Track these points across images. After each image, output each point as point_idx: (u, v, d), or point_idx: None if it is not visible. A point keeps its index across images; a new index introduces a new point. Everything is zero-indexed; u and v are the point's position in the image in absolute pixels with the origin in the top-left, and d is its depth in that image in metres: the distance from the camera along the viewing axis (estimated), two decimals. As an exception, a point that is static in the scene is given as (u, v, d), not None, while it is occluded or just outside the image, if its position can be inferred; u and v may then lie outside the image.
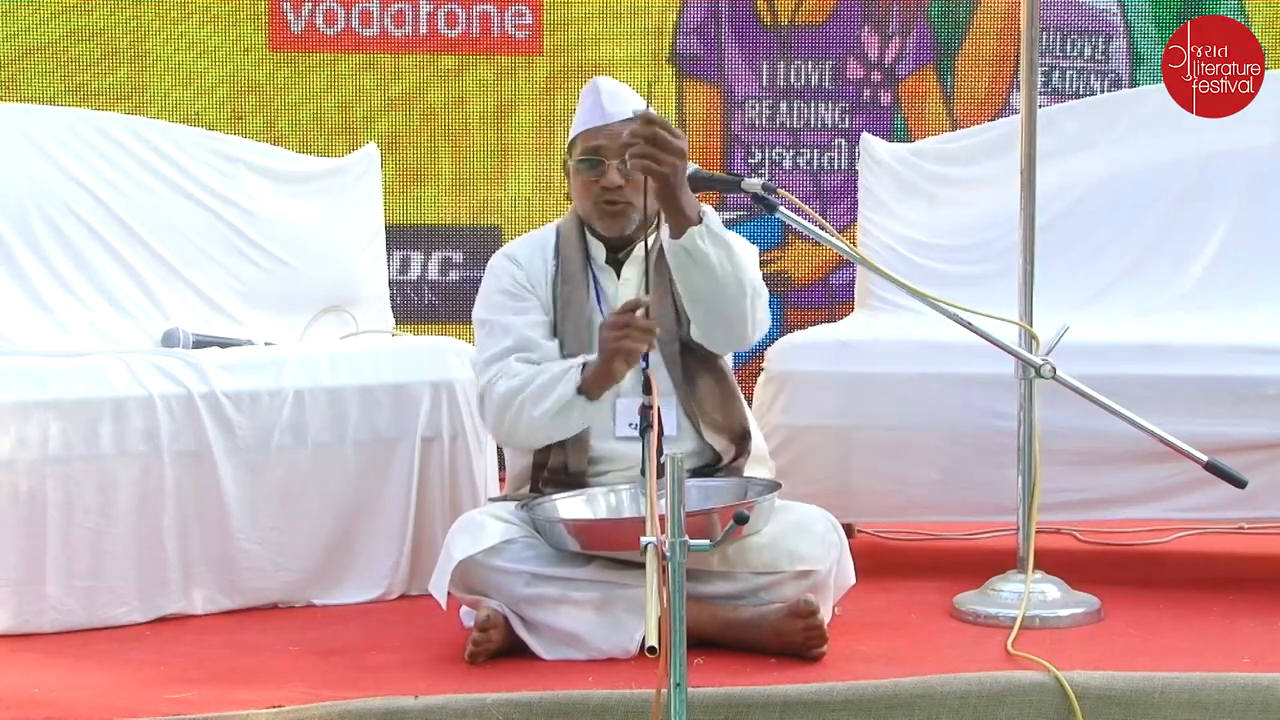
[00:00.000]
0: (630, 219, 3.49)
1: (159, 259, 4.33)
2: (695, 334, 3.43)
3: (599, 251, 3.55)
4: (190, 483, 3.73)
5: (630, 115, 3.40)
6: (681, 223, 3.26)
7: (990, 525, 4.34)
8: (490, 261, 3.63)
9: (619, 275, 3.53)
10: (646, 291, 3.32)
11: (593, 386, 3.33)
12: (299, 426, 3.83)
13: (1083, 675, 3.05)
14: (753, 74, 5.74)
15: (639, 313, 3.24)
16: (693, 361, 3.48)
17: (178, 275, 4.34)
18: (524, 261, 3.56)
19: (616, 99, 3.47)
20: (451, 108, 5.64)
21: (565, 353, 3.46)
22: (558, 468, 3.44)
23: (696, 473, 3.43)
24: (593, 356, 3.34)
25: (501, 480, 3.81)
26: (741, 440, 3.49)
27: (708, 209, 3.31)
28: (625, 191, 3.45)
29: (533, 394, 3.36)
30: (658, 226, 3.49)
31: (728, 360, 3.57)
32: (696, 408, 3.46)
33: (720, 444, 3.47)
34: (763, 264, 3.76)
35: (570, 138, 3.56)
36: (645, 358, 3.29)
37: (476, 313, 3.59)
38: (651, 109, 3.23)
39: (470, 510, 3.59)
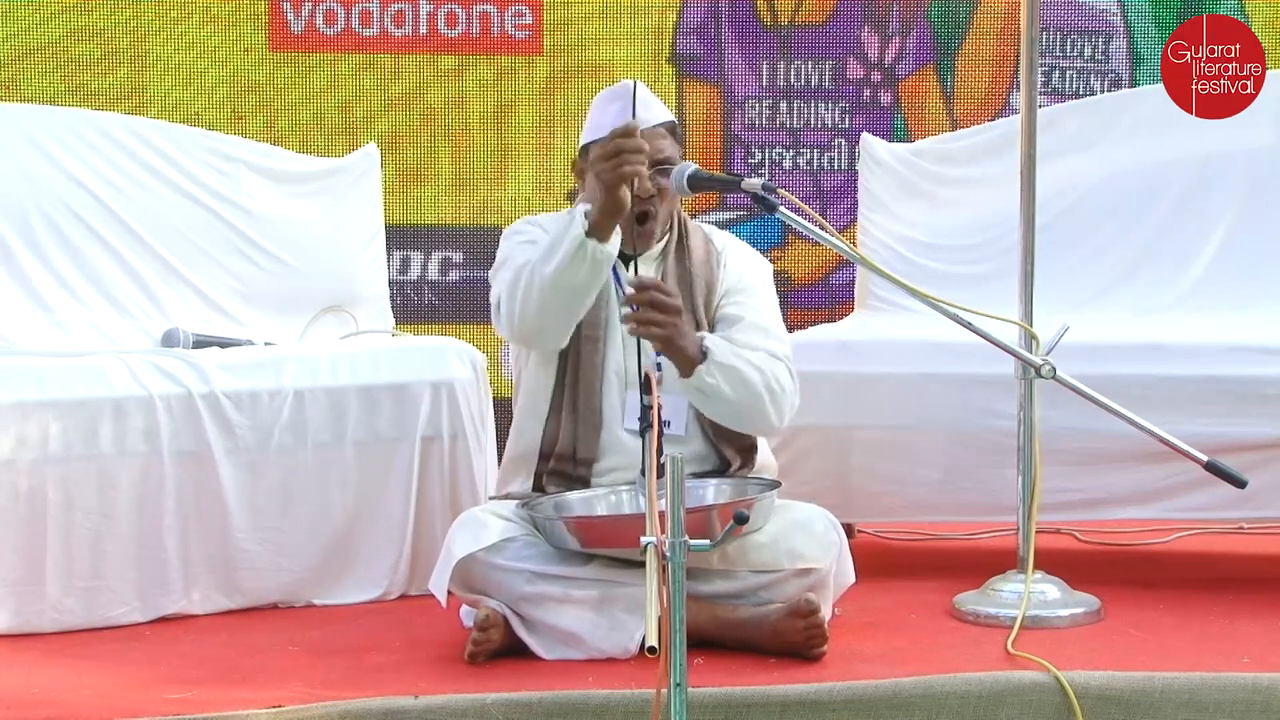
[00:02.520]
0: (656, 233, 3.49)
1: (159, 259, 4.33)
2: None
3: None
4: (190, 483, 3.73)
5: (659, 123, 3.41)
6: (688, 365, 3.31)
7: (990, 525, 4.34)
8: (512, 226, 3.60)
9: (628, 265, 3.51)
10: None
11: (601, 225, 3.26)
12: (299, 426, 3.83)
13: (1083, 675, 3.05)
14: (753, 74, 5.74)
15: (630, 139, 3.23)
16: None
17: (178, 275, 4.34)
18: (549, 226, 3.53)
19: (644, 105, 3.45)
20: (451, 108, 5.64)
21: (582, 334, 3.45)
22: (565, 455, 3.43)
23: (701, 477, 3.44)
24: (588, 207, 3.30)
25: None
26: (748, 451, 3.50)
27: (710, 341, 3.35)
28: (654, 201, 3.44)
29: (542, 255, 3.31)
30: (670, 228, 3.51)
31: None
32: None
33: (729, 451, 3.47)
34: (763, 264, 3.77)
35: (585, 141, 3.53)
36: (658, 365, 3.29)
37: (495, 266, 3.53)
38: (642, 278, 3.32)
39: (471, 508, 3.59)
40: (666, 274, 3.49)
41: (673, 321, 3.27)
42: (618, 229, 3.30)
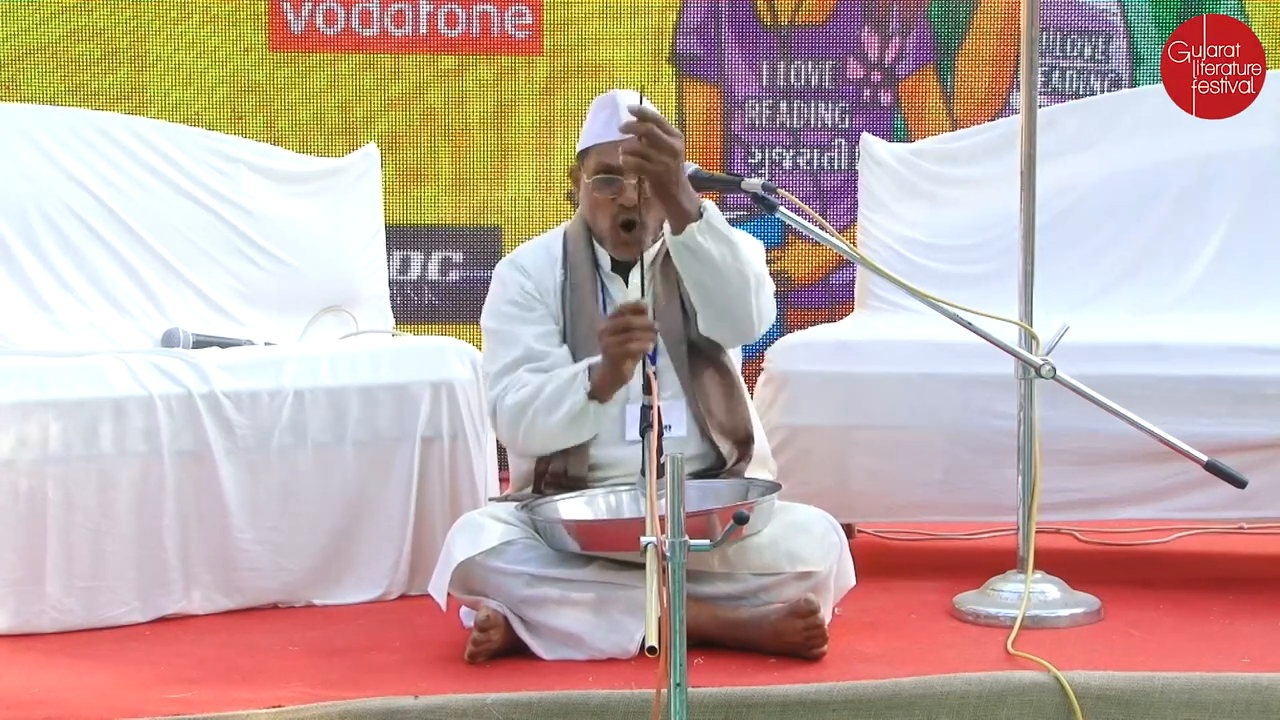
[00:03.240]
0: (644, 244, 3.48)
1: (159, 259, 4.33)
2: (702, 327, 3.43)
3: (605, 259, 3.54)
4: (190, 483, 3.73)
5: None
6: (681, 219, 3.26)
7: (990, 525, 4.34)
8: (497, 270, 3.61)
9: (626, 283, 3.52)
10: (642, 295, 3.32)
11: (603, 391, 3.33)
12: (299, 426, 3.83)
13: (1083, 675, 3.05)
14: (753, 74, 5.74)
15: (639, 317, 3.24)
16: (701, 363, 3.48)
17: (178, 275, 4.34)
18: (532, 271, 3.55)
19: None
20: (451, 108, 5.64)
21: (578, 356, 3.45)
22: (558, 472, 3.44)
23: (700, 475, 3.44)
24: (598, 359, 3.34)
25: (504, 481, 3.81)
26: (745, 443, 3.49)
27: (709, 204, 3.31)
28: (641, 211, 3.43)
29: (544, 404, 3.36)
30: (662, 235, 3.51)
31: (735, 362, 3.57)
32: (704, 409, 3.46)
33: (725, 446, 3.47)
34: (763, 264, 3.77)
35: (581, 148, 3.53)
36: (652, 358, 3.29)
37: (485, 321, 3.59)
38: (648, 103, 3.21)
39: (470, 511, 3.59)
40: (655, 280, 3.48)
41: (665, 161, 3.18)
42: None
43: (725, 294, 3.35)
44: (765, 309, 3.43)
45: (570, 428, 3.36)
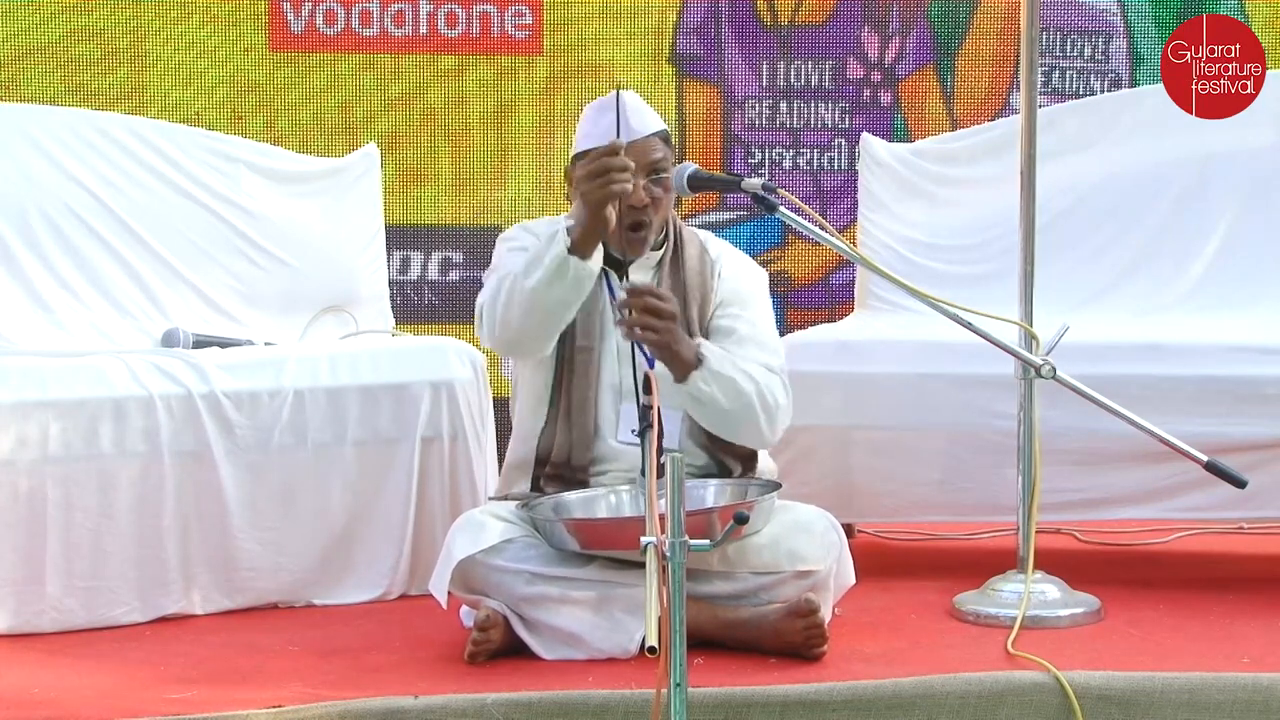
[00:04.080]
0: (648, 241, 3.48)
1: (159, 259, 4.33)
2: None
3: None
4: (190, 483, 3.73)
5: (653, 132, 3.40)
6: (683, 370, 3.30)
7: (990, 525, 4.34)
8: (504, 233, 3.59)
9: (621, 279, 3.52)
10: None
11: (583, 243, 3.26)
12: (299, 426, 3.83)
13: (1083, 675, 3.05)
14: (753, 74, 5.74)
15: (616, 158, 3.22)
16: None
17: (178, 275, 4.34)
18: (542, 236, 3.53)
19: (638, 114, 3.44)
20: (451, 108, 5.63)
21: (576, 345, 3.45)
22: (560, 461, 3.43)
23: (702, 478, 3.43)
24: (572, 224, 3.29)
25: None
26: (749, 459, 3.50)
27: (706, 349, 3.34)
28: (649, 210, 3.43)
29: (524, 268, 3.30)
30: (666, 238, 3.51)
31: None
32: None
33: (729, 460, 3.47)
34: (763, 264, 3.77)
35: (577, 150, 3.51)
36: (650, 360, 3.29)
37: (489, 272, 3.53)
38: (634, 282, 3.30)
39: (470, 510, 3.59)
40: (661, 284, 3.48)
41: (668, 326, 3.26)
42: (600, 247, 3.30)
43: (733, 427, 3.40)
44: (779, 421, 3.44)
45: (550, 288, 3.25)
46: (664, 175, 3.43)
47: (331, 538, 3.88)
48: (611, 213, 3.24)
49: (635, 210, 3.40)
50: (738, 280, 3.57)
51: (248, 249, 4.43)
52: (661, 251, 3.53)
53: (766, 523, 3.31)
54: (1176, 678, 3.05)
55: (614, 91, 3.44)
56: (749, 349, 3.44)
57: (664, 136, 3.47)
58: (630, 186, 3.25)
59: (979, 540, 4.43)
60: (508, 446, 3.61)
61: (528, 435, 3.51)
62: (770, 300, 3.61)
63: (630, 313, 3.25)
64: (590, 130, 3.48)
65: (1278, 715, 3.01)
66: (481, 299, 3.45)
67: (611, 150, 3.22)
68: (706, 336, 3.46)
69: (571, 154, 3.53)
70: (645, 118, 3.46)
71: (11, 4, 5.43)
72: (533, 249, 3.34)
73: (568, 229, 3.28)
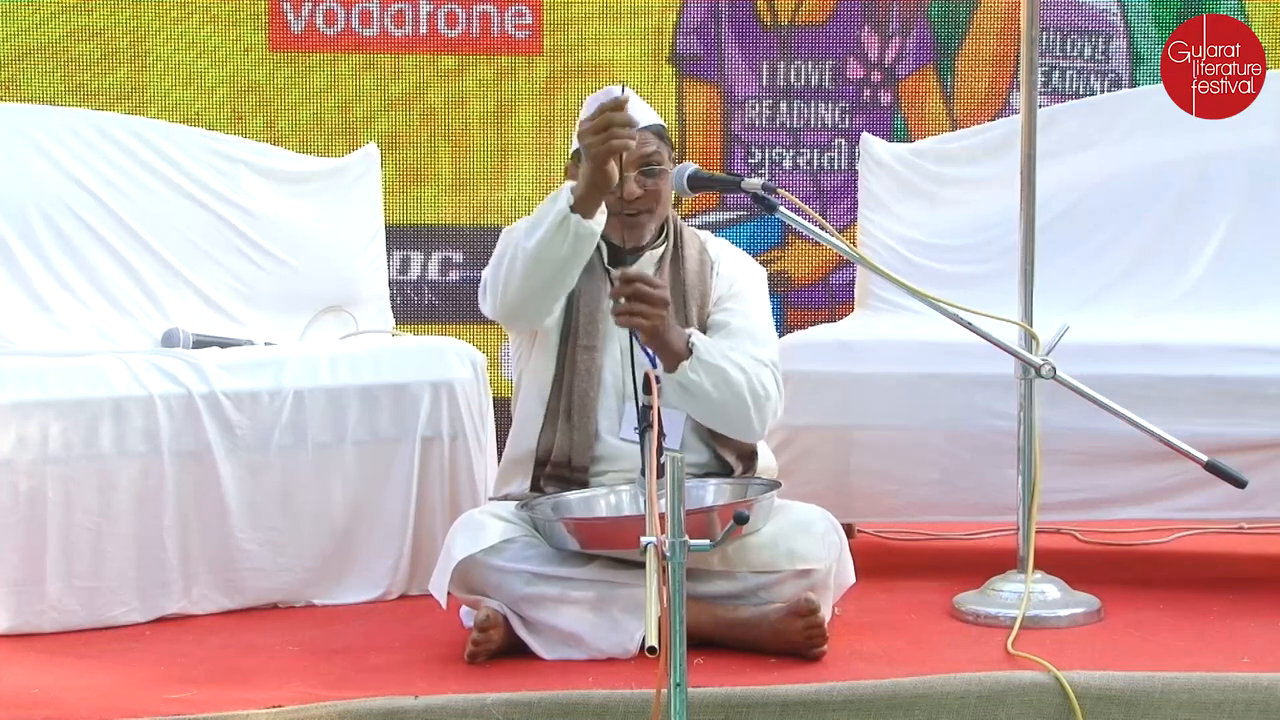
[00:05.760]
0: (647, 229, 3.48)
1: (159, 259, 4.33)
2: None
3: (604, 250, 3.53)
4: (190, 483, 3.73)
5: (644, 126, 3.40)
6: (672, 360, 3.30)
7: (990, 525, 4.34)
8: (510, 227, 3.60)
9: None
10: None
11: (586, 200, 3.25)
12: (299, 426, 3.83)
13: (1083, 675, 3.05)
14: (753, 74, 5.74)
15: (620, 113, 3.20)
16: None
17: (178, 275, 4.34)
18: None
19: (636, 108, 3.44)
20: (451, 108, 5.64)
21: (578, 345, 3.46)
22: (561, 461, 3.43)
23: (702, 478, 3.43)
24: (575, 184, 3.29)
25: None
26: (749, 457, 3.50)
27: (697, 338, 3.34)
28: (644, 201, 3.44)
29: (526, 229, 3.31)
30: (665, 236, 3.51)
31: None
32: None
33: (730, 457, 3.47)
34: (763, 264, 3.77)
35: (576, 146, 3.53)
36: (652, 359, 3.29)
37: (492, 260, 3.53)
38: (629, 270, 3.28)
39: (470, 510, 3.59)
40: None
41: (658, 313, 3.25)
42: (602, 207, 3.29)
43: (724, 418, 3.39)
44: (768, 415, 3.44)
45: (551, 245, 3.24)
46: (657, 168, 3.43)
47: (331, 538, 3.88)
48: (614, 168, 3.23)
49: (628, 203, 3.41)
50: (735, 276, 3.57)
51: (248, 249, 4.43)
52: (662, 250, 3.53)
53: (766, 522, 3.31)
54: (1176, 678, 3.05)
55: (611, 86, 3.47)
56: (741, 341, 3.44)
57: (658, 131, 3.48)
58: (633, 143, 3.24)
59: (979, 540, 4.43)
60: (506, 442, 3.61)
61: (528, 433, 3.51)
62: (768, 297, 3.62)
63: (622, 299, 3.25)
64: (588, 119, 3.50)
65: (1278, 715, 3.01)
66: (486, 273, 3.45)
67: (616, 105, 3.21)
68: (704, 332, 3.46)
69: (571, 149, 3.54)
70: (642, 111, 3.46)
71: (11, 4, 5.43)
72: (536, 212, 3.33)
73: (571, 188, 3.27)
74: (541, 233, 3.25)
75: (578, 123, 3.53)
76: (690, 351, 3.32)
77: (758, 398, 3.39)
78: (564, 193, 3.27)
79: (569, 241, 3.25)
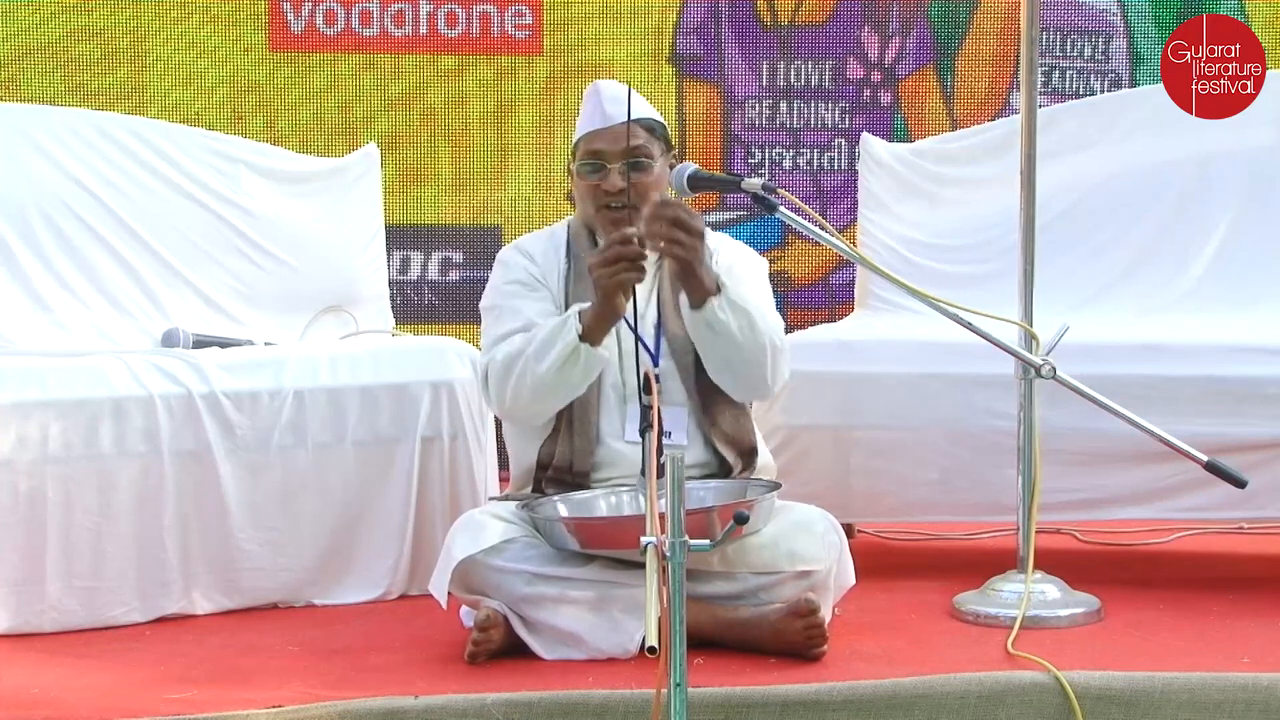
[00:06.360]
0: (632, 223, 3.48)
1: (159, 259, 4.33)
2: (714, 379, 3.43)
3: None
4: (190, 483, 3.73)
5: (635, 120, 3.40)
6: (701, 295, 3.30)
7: (990, 525, 4.34)
8: (500, 256, 3.61)
9: None
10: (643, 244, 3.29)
11: (594, 331, 3.29)
12: (299, 426, 3.83)
13: (1083, 675, 3.05)
14: (753, 74, 5.74)
15: (629, 247, 3.22)
16: (705, 373, 3.47)
17: (178, 275, 4.34)
18: (538, 257, 3.55)
19: (617, 101, 3.46)
20: (451, 108, 5.64)
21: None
22: (561, 468, 3.44)
23: (702, 479, 3.43)
24: (586, 305, 3.32)
25: (504, 480, 3.81)
26: (749, 454, 3.49)
27: (725, 278, 3.33)
28: (629, 195, 3.44)
29: (535, 351, 3.33)
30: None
31: None
32: (708, 419, 3.46)
33: (730, 455, 3.47)
34: (763, 264, 3.77)
35: (573, 141, 3.55)
36: (655, 359, 3.28)
37: (485, 301, 3.58)
38: (665, 197, 3.28)
39: (470, 510, 3.59)
40: (661, 276, 3.49)
41: (694, 243, 3.25)
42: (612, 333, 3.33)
43: (744, 364, 3.37)
44: (782, 371, 3.44)
45: (561, 374, 3.30)
46: (644, 161, 3.43)
47: (331, 538, 3.88)
48: (624, 302, 3.26)
49: (610, 195, 3.42)
50: (733, 263, 3.56)
51: (248, 249, 4.43)
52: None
53: (766, 523, 3.30)
54: (1176, 678, 3.05)
55: (598, 80, 3.50)
56: None
57: (649, 126, 3.48)
58: (645, 275, 3.27)
59: (979, 540, 4.43)
60: (509, 452, 3.61)
61: (530, 440, 3.50)
62: (769, 285, 3.61)
63: (660, 224, 3.23)
64: (579, 120, 3.54)
65: (1278, 715, 3.01)
66: (484, 364, 3.47)
67: (624, 239, 3.24)
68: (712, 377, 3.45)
69: (571, 150, 3.55)
70: (620, 103, 3.44)
71: (11, 4, 5.43)
72: (545, 331, 3.33)
73: (579, 314, 3.30)
74: (551, 361, 3.29)
75: (577, 125, 3.55)
76: (720, 290, 3.31)
77: (776, 350, 3.39)
78: (571, 322, 3.30)
79: (579, 370, 3.30)
